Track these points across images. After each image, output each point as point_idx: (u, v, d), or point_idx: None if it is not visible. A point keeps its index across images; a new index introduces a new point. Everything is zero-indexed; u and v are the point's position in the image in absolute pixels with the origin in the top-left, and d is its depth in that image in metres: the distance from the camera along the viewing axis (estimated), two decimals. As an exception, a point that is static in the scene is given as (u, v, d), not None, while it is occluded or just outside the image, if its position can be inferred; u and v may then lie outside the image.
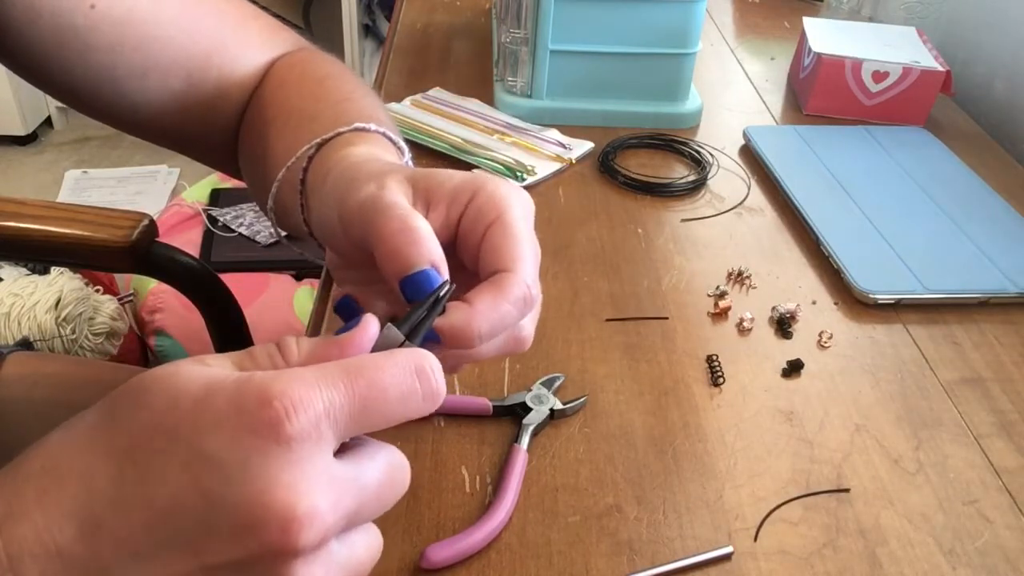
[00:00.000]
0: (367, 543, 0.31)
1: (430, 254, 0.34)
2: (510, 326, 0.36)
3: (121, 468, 0.27)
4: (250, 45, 0.59)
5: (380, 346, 0.31)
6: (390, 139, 0.48)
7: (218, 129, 0.59)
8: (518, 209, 0.36)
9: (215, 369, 0.28)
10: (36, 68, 0.52)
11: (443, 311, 0.34)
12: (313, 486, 0.26)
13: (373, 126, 0.47)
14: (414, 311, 0.33)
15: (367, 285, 0.40)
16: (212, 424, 0.26)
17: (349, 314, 0.37)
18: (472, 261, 0.37)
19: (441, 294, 0.34)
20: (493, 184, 0.37)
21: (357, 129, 0.46)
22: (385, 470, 0.30)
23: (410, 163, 0.49)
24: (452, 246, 0.38)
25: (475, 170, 0.39)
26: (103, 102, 0.55)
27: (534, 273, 0.36)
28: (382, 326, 0.32)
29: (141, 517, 0.26)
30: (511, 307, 0.35)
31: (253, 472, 0.26)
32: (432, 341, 0.34)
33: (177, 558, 0.27)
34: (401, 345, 0.32)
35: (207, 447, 0.26)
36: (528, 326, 0.38)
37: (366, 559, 0.31)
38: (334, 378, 0.27)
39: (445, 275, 0.34)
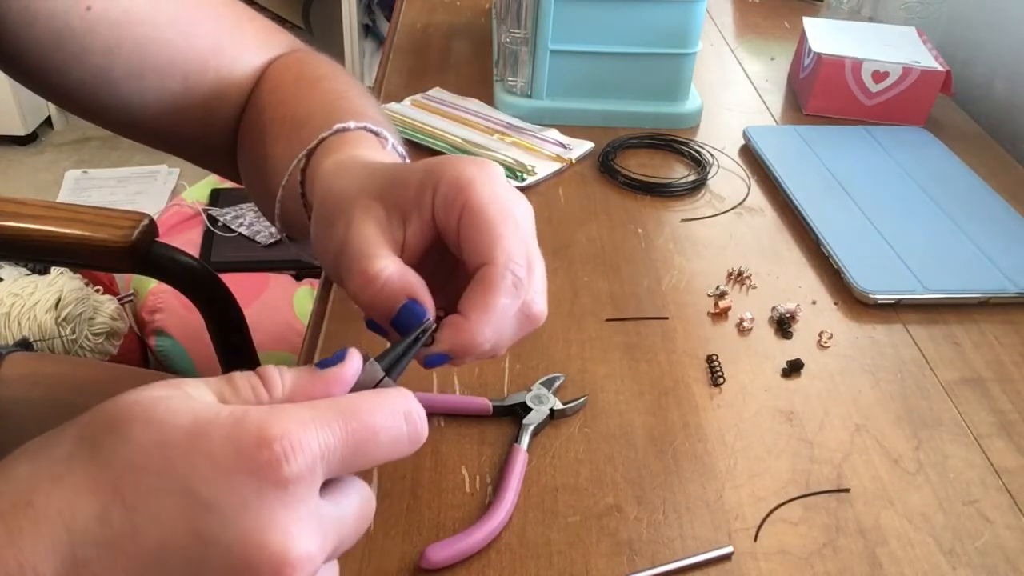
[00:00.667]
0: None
1: (402, 290, 0.34)
2: (512, 314, 0.35)
3: (106, 507, 0.26)
4: (247, 47, 0.59)
5: (361, 382, 0.32)
6: (373, 132, 0.48)
7: (215, 131, 0.59)
8: (482, 187, 0.35)
9: (198, 402, 0.28)
10: (32, 71, 0.52)
11: (431, 342, 0.35)
12: (305, 529, 0.26)
13: (353, 124, 0.47)
14: (395, 346, 0.34)
15: None
16: (208, 465, 0.26)
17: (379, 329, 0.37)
18: (459, 251, 0.37)
19: (420, 331, 0.34)
20: (450, 168, 0.36)
21: (339, 131, 0.47)
22: (359, 505, 0.30)
23: (397, 148, 0.49)
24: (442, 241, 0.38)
25: (438, 156, 0.39)
26: (99, 105, 0.55)
27: (518, 251, 0.35)
28: (364, 360, 0.32)
29: (129, 558, 0.26)
30: (504, 299, 0.35)
31: (251, 514, 0.25)
32: (444, 359, 0.35)
33: None
34: (380, 381, 0.32)
35: (203, 490, 0.25)
36: (537, 301, 0.37)
37: None
38: (329, 420, 0.28)
39: (424, 299, 0.35)
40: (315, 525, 0.27)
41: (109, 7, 0.50)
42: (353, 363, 0.31)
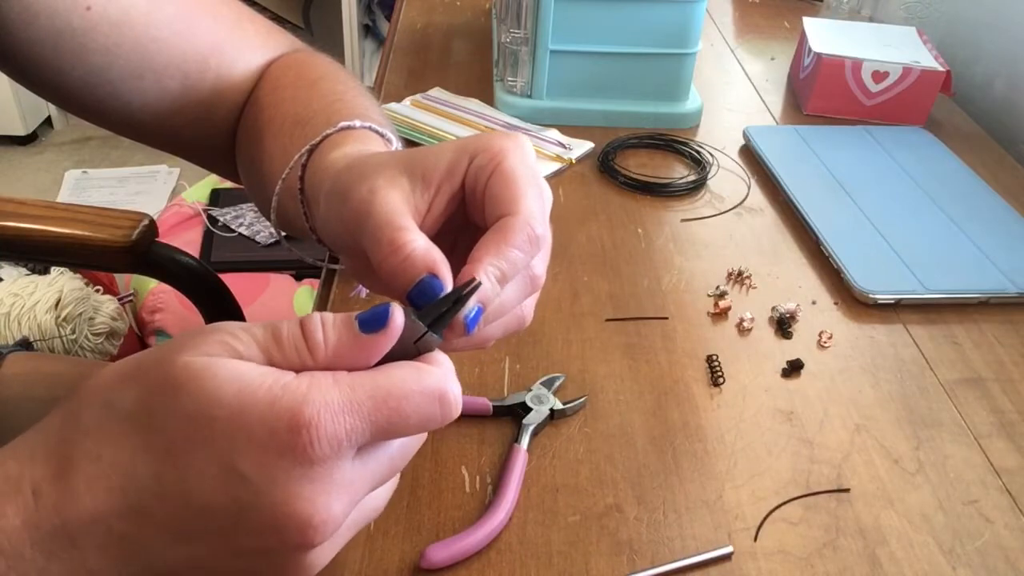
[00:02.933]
0: (376, 502, 0.34)
1: (425, 265, 0.34)
2: (520, 270, 0.36)
3: (161, 467, 0.30)
4: (246, 47, 0.58)
5: (403, 338, 0.32)
6: (378, 132, 0.48)
7: (214, 132, 0.59)
8: (514, 155, 0.37)
9: (243, 370, 0.30)
10: (31, 70, 0.52)
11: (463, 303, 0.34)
12: (330, 496, 0.30)
13: (358, 123, 0.47)
14: (438, 303, 0.34)
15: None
16: (245, 443, 0.29)
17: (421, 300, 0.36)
18: (481, 213, 0.37)
19: (465, 292, 0.34)
20: (486, 140, 0.37)
21: (343, 129, 0.47)
22: (398, 448, 0.33)
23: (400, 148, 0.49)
24: (465, 217, 0.38)
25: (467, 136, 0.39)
26: (99, 104, 0.55)
27: (539, 211, 0.36)
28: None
29: (179, 510, 0.30)
30: (517, 251, 0.35)
31: (279, 487, 0.29)
32: (479, 312, 0.34)
33: (210, 542, 0.30)
34: (422, 336, 0.33)
35: (239, 464, 0.29)
36: (539, 265, 0.38)
37: (372, 513, 0.34)
38: (361, 405, 0.30)
39: (445, 276, 0.34)
40: (340, 489, 0.30)
41: (109, 7, 0.50)
42: (395, 325, 0.32)
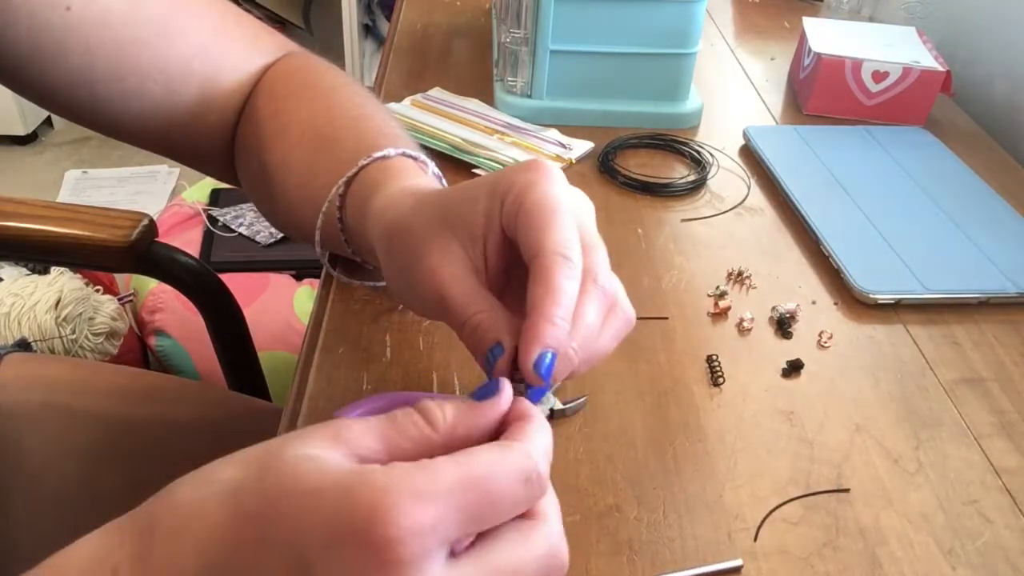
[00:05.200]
0: None
1: (494, 335, 0.36)
2: (577, 296, 0.36)
3: (237, 543, 0.28)
4: (235, 51, 0.58)
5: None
6: (411, 157, 0.48)
7: (205, 136, 0.59)
8: (538, 188, 0.37)
9: (333, 460, 0.28)
10: (12, 71, 0.51)
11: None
12: None
13: (392, 151, 0.48)
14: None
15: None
16: (315, 531, 0.26)
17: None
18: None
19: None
20: (511, 178, 0.37)
21: (379, 159, 0.47)
22: (503, 557, 0.29)
23: (435, 171, 0.50)
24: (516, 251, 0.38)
25: (496, 171, 0.40)
26: (81, 106, 0.54)
27: (565, 237, 0.36)
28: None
29: None
30: (559, 278, 0.35)
31: None
32: (543, 389, 0.36)
33: None
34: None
35: (308, 554, 0.26)
36: (623, 300, 0.40)
37: None
38: (446, 489, 0.27)
39: (506, 340, 0.36)
40: None
41: (89, 7, 0.50)
42: (507, 390, 0.32)
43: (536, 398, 0.36)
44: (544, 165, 0.38)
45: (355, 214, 0.48)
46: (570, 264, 0.35)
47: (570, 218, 0.37)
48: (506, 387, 0.32)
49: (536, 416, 0.32)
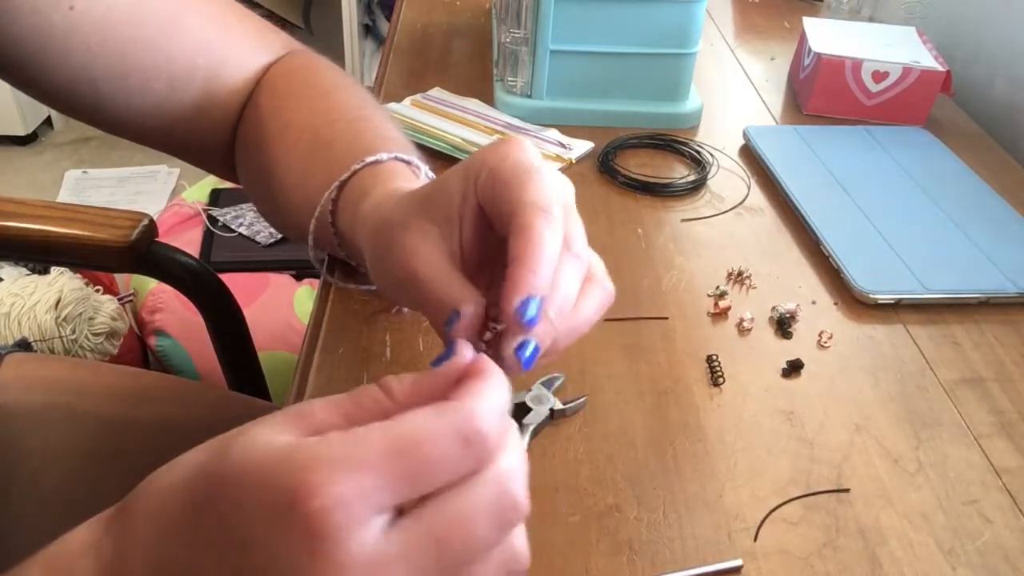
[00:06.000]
0: None
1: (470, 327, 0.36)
2: (559, 254, 0.35)
3: (180, 519, 0.28)
4: (238, 48, 0.58)
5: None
6: (404, 161, 0.48)
7: (209, 133, 0.59)
8: (508, 161, 0.36)
9: (277, 437, 0.27)
10: (15, 69, 0.52)
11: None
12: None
13: (385, 155, 0.48)
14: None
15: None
16: (248, 505, 0.26)
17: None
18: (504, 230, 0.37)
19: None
20: (482, 156, 0.37)
21: (372, 163, 0.48)
22: (439, 514, 0.27)
23: (429, 175, 0.50)
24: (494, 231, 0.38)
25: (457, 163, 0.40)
26: (84, 104, 0.54)
27: (541, 195, 0.35)
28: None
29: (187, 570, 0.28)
30: (539, 230, 0.34)
31: (285, 565, 0.25)
32: (530, 348, 0.34)
33: None
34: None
35: (242, 530, 0.26)
36: (601, 274, 0.40)
37: None
38: (375, 456, 0.26)
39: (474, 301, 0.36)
40: (369, 563, 0.25)
41: (92, 6, 0.50)
42: (461, 353, 0.31)
43: (528, 364, 0.34)
44: (516, 139, 0.38)
45: (346, 219, 0.48)
46: (550, 218, 0.34)
47: (548, 178, 0.36)
48: (462, 348, 0.31)
49: (489, 373, 0.30)
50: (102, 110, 0.55)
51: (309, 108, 0.55)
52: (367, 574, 0.25)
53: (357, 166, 0.48)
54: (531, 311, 0.33)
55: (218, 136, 0.59)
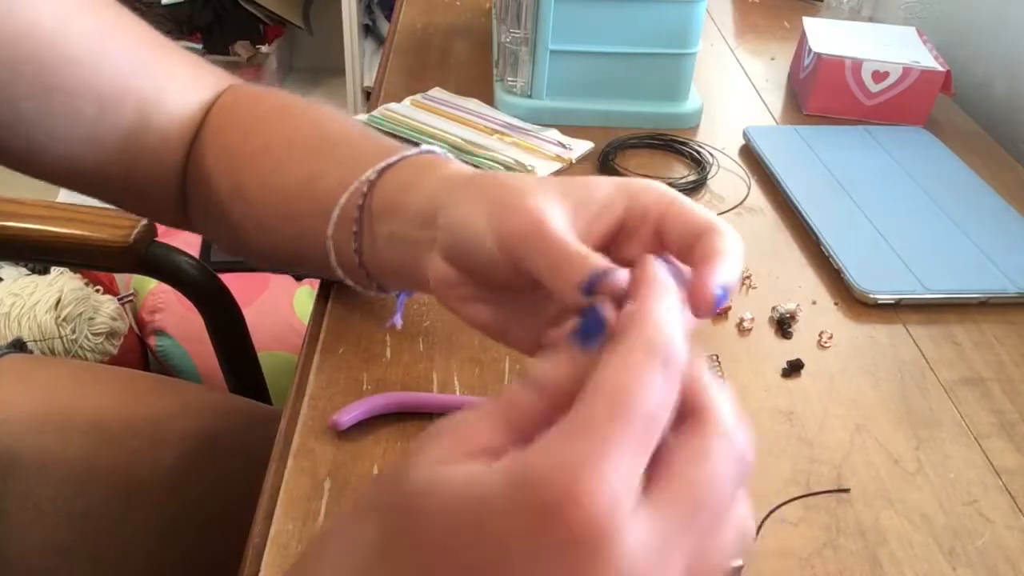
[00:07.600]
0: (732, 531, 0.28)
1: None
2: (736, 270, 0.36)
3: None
4: (177, 73, 0.55)
5: None
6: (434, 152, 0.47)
7: (146, 164, 0.54)
8: (682, 198, 0.38)
9: (478, 470, 0.25)
10: None
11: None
12: (636, 563, 0.23)
13: (439, 149, 0.46)
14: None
15: (488, 303, 0.39)
16: (506, 546, 0.23)
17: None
18: (638, 252, 0.37)
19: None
20: (648, 182, 0.38)
21: (426, 152, 0.46)
22: (691, 472, 0.26)
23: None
24: (606, 251, 0.37)
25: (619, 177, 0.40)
26: (3, 130, 0.49)
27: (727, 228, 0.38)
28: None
29: None
30: (732, 249, 0.37)
31: None
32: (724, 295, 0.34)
33: None
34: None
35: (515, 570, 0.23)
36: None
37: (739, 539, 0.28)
38: (601, 429, 0.24)
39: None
40: (647, 559, 0.24)
41: (13, 19, 0.46)
42: (610, 315, 0.28)
43: (720, 303, 0.34)
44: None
45: (390, 193, 0.44)
46: (734, 240, 0.37)
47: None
48: (608, 309, 0.29)
49: (657, 278, 0.29)
50: (18, 137, 0.50)
51: (293, 125, 0.52)
52: (645, 569, 0.23)
53: (409, 152, 0.45)
54: (721, 295, 0.34)
55: (156, 169, 0.54)
